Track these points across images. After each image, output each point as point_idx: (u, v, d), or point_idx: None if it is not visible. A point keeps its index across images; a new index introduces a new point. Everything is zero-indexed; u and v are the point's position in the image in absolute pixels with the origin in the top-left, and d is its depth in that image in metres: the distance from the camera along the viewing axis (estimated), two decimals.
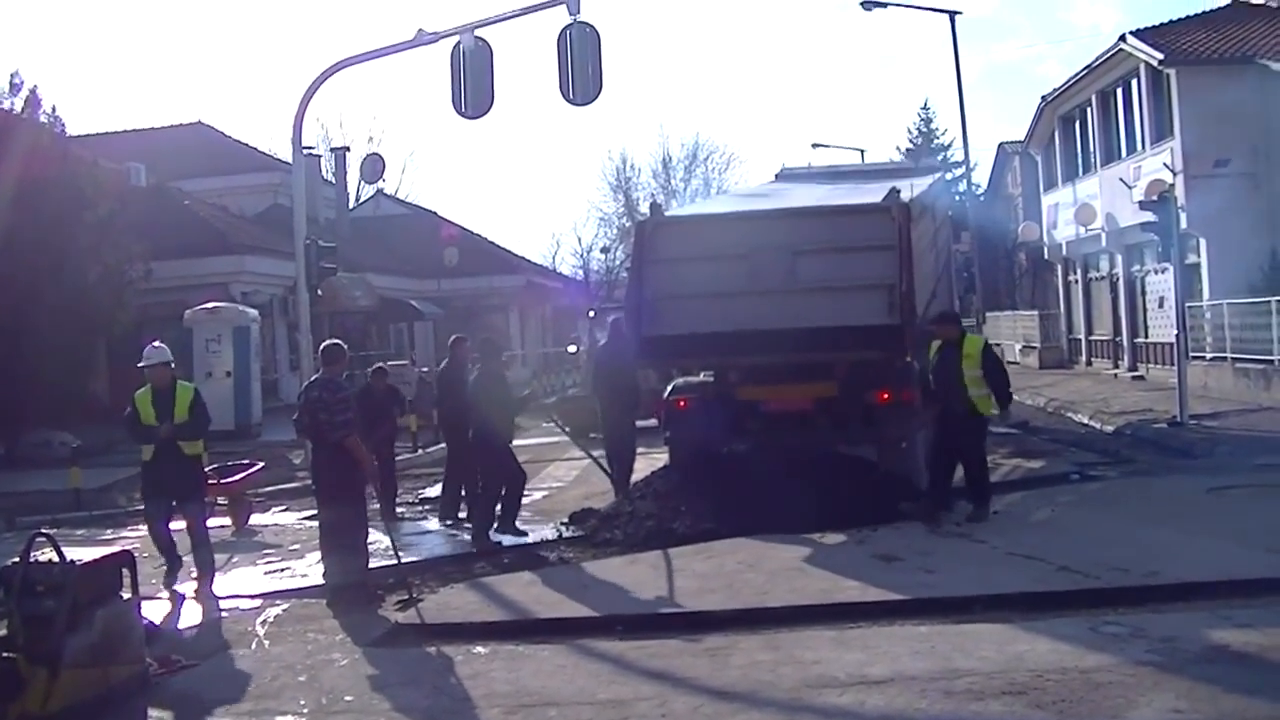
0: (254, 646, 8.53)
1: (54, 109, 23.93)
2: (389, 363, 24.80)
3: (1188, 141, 24.18)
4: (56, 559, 7.09)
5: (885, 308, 11.89)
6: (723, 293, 12.44)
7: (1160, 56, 24.92)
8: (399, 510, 14.04)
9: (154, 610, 9.08)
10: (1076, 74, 30.54)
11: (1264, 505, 11.66)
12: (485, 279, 45.90)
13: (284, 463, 19.20)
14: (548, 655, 7.88)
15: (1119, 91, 28.87)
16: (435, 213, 53.38)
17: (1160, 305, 26.29)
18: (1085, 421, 20.56)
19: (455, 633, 8.56)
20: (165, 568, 10.50)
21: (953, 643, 7.46)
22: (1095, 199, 29.82)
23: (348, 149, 49.59)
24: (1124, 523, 10.81)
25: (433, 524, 13.46)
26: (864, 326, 11.86)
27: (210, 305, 25.61)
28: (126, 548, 8.44)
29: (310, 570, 10.86)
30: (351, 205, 47.99)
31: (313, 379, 10.45)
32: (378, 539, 10.61)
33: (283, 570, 11.28)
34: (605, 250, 64.64)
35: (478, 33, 15.72)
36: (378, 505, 12.14)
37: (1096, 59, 28.85)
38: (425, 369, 26.11)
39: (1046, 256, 36.66)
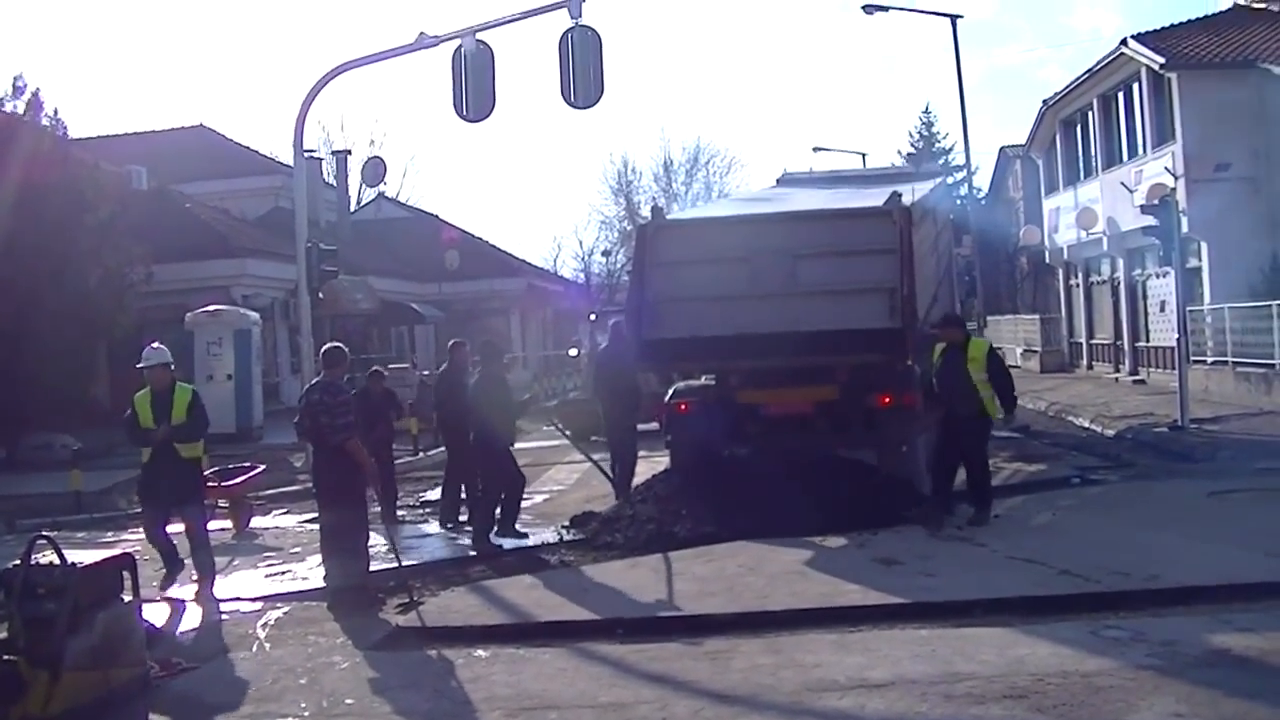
0: (255, 649, 8.53)
1: (56, 112, 24.01)
2: (390, 366, 24.89)
3: (1189, 145, 24.20)
4: (57, 562, 7.09)
5: (886, 311, 11.89)
6: (724, 296, 12.44)
7: (1161, 60, 24.94)
8: (399, 513, 14.04)
9: (155, 613, 9.08)
10: (1078, 78, 30.56)
11: (1265, 509, 11.65)
12: (486, 282, 45.94)
13: (285, 466, 19.21)
14: (548, 658, 7.88)
15: (1120, 95, 28.88)
16: (436, 216, 53.40)
17: (1161, 309, 26.29)
18: (1086, 425, 20.55)
19: (456, 636, 8.56)
20: (164, 571, 10.41)
21: (953, 646, 7.46)
22: (1096, 203, 29.84)
23: (349, 152, 49.72)
24: (1125, 527, 10.81)
25: (433, 527, 13.47)
26: (865, 330, 11.86)
27: (211, 308, 25.62)
28: (127, 550, 8.44)
29: (311, 573, 10.85)
30: (353, 208, 48.03)
31: (314, 382, 10.46)
32: (378, 542, 10.62)
33: (283, 573, 11.28)
34: (606, 254, 64.63)
35: (479, 36, 15.74)
36: (378, 508, 12.16)
37: (1098, 63, 28.87)
38: (426, 372, 26.12)
39: (1048, 260, 36.67)
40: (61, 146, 23.42)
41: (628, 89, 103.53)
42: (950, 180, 34.12)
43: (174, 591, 10.29)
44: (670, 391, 13.98)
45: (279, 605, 9.87)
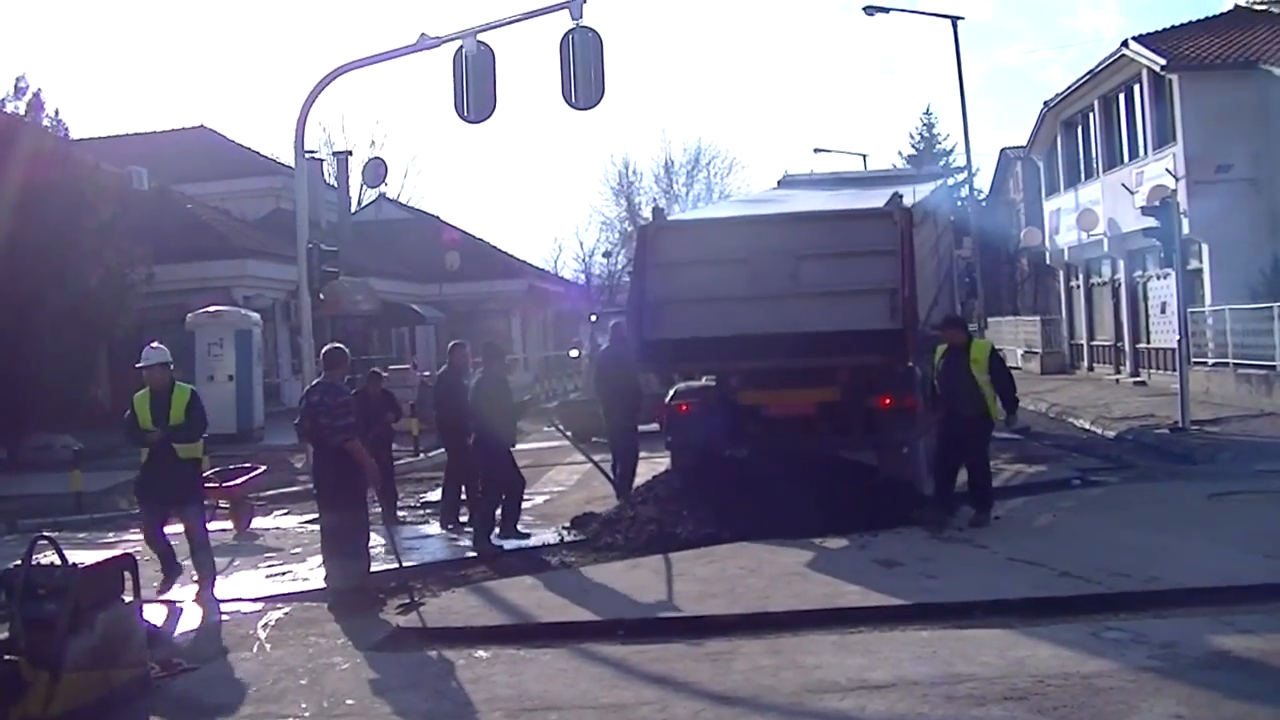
0: (255, 650, 8.53)
1: (57, 112, 24.01)
2: (390, 366, 24.88)
3: (1190, 147, 24.21)
4: (58, 562, 7.10)
5: (887, 312, 11.89)
6: (725, 297, 12.44)
7: (1162, 62, 24.95)
8: (400, 514, 14.05)
9: (155, 614, 9.08)
10: (1079, 79, 30.56)
11: (1265, 511, 11.66)
12: (487, 283, 45.96)
13: (286, 466, 19.21)
14: (549, 659, 7.88)
15: (1121, 97, 28.89)
16: (437, 217, 53.45)
17: (1162, 310, 26.30)
18: (1087, 427, 20.55)
19: (457, 637, 8.56)
20: (162, 575, 10.33)
21: (954, 648, 7.46)
22: (1097, 204, 29.84)
23: (350, 153, 49.64)
24: (1125, 528, 10.80)
25: (434, 528, 13.47)
26: (866, 331, 11.86)
27: (212, 309, 25.61)
28: (128, 551, 8.44)
29: (312, 574, 10.85)
30: (354, 209, 48.00)
31: (314, 383, 10.45)
32: (379, 542, 10.62)
33: (284, 574, 11.28)
34: (607, 255, 64.68)
35: (480, 37, 15.73)
36: (379, 509, 12.16)
37: (1099, 64, 28.87)
38: (427, 373, 26.11)
39: (1048, 262, 36.68)
40: (63, 147, 23.41)
41: (629, 90, 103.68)
42: (951, 182, 34.13)
43: (175, 592, 10.29)
44: (671, 392, 13.98)
45: (280, 606, 9.87)
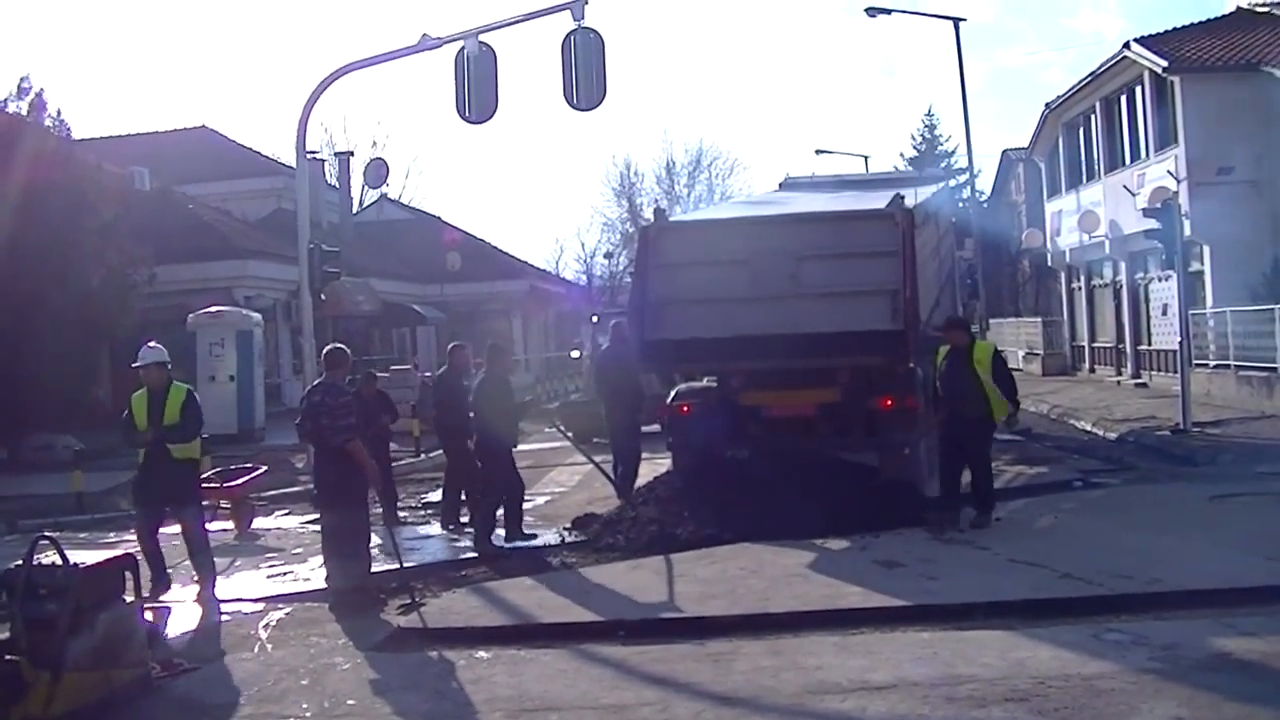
0: (256, 650, 8.53)
1: (59, 113, 24.03)
2: (391, 367, 24.89)
3: (1191, 149, 24.21)
4: (59, 562, 7.10)
5: (888, 313, 11.89)
6: (726, 298, 12.45)
7: (1164, 64, 24.94)
8: (401, 515, 14.05)
9: (156, 614, 9.08)
10: (1080, 81, 30.56)
11: (1266, 513, 11.66)
12: (488, 284, 45.97)
13: (287, 467, 19.20)
14: (550, 660, 7.89)
15: (1123, 99, 28.88)
16: (439, 217, 53.47)
17: (1163, 312, 26.30)
18: (1088, 428, 20.54)
19: (457, 637, 8.56)
20: (150, 581, 10.00)
21: (955, 649, 7.46)
22: (1099, 206, 29.84)
23: (352, 153, 49.66)
24: (1126, 530, 10.80)
25: (434, 528, 13.47)
26: (867, 332, 11.86)
27: (214, 309, 25.63)
28: (129, 551, 8.45)
29: (313, 574, 10.85)
30: (355, 210, 48.01)
31: (315, 383, 10.45)
32: (380, 543, 10.62)
33: (285, 574, 11.28)
34: (608, 255, 64.74)
35: (482, 38, 15.72)
36: (380, 509, 12.16)
37: (1100, 66, 28.87)
38: (428, 374, 26.13)
39: (1050, 263, 36.68)
40: (65, 147, 23.41)
41: (630, 91, 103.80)
42: (953, 183, 34.15)
43: (176, 593, 10.28)
44: (672, 393, 13.98)
45: (280, 606, 9.87)
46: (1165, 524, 11.02)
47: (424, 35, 16.50)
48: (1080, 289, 33.67)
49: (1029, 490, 13.84)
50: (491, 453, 12.06)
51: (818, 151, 51.85)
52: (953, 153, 57.33)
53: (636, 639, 8.26)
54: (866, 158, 45.65)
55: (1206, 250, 24.59)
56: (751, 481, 12.31)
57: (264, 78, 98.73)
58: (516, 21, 16.20)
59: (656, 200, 59.38)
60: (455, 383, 13.37)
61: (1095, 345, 32.42)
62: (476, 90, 15.57)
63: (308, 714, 7.05)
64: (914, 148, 60.57)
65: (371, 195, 53.44)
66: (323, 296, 20.10)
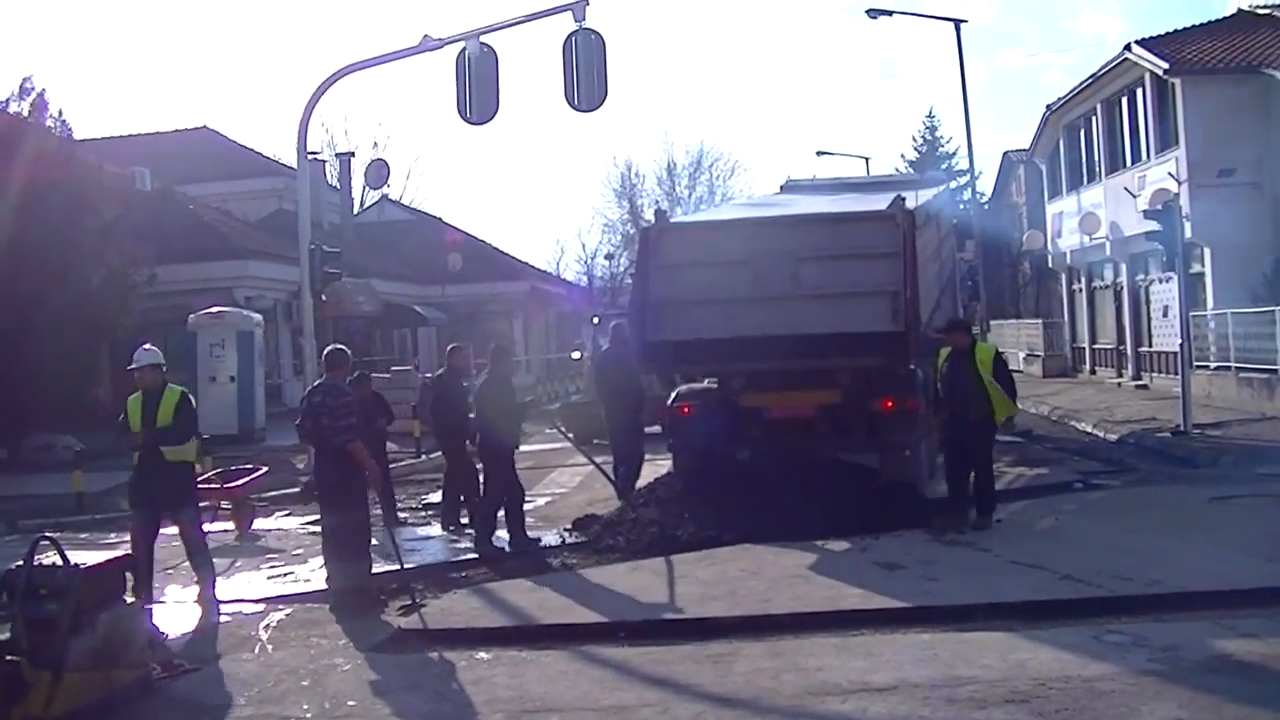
0: (257, 651, 8.54)
1: (60, 113, 24.03)
2: (392, 368, 24.87)
3: (1192, 150, 24.20)
4: (60, 563, 7.10)
5: (889, 314, 11.89)
6: (727, 299, 12.44)
7: (1165, 66, 24.92)
8: (401, 515, 14.05)
9: (157, 614, 9.09)
10: (1081, 83, 30.55)
11: (1267, 515, 11.66)
12: (489, 285, 45.97)
13: (287, 467, 19.20)
14: (550, 661, 7.89)
15: (1124, 100, 28.87)
16: (439, 218, 53.50)
17: (1164, 314, 26.30)
18: (1089, 430, 20.53)
19: (458, 638, 8.56)
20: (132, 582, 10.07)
21: (955, 651, 7.46)
22: (1100, 208, 29.84)
23: (353, 154, 49.76)
24: (1127, 532, 10.80)
25: (435, 529, 13.47)
26: (867, 333, 11.86)
27: (214, 310, 25.63)
28: (129, 552, 8.45)
29: (313, 575, 10.85)
30: (356, 210, 48.07)
31: (316, 384, 10.45)
32: (380, 544, 10.62)
33: (285, 575, 11.28)
34: (609, 256, 64.85)
35: (483, 39, 15.72)
36: (380, 510, 12.16)
37: (1101, 68, 28.87)
38: (428, 374, 26.15)
39: (1051, 265, 36.68)
40: (66, 148, 23.42)
41: (631, 92, 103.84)
42: (954, 185, 34.17)
43: (175, 594, 10.27)
44: (673, 394, 13.98)
45: (281, 607, 9.87)
46: (1166, 526, 11.02)
47: (425, 36, 16.51)
48: (1081, 291, 33.66)
49: (1029, 492, 13.84)
50: (494, 454, 12.05)
51: (818, 153, 52.06)
52: (954, 154, 57.40)
53: (637, 640, 8.26)
54: (867, 159, 45.66)
55: (1207, 252, 24.58)
56: (752, 483, 12.30)
57: (265, 78, 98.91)
58: (518, 23, 16.20)
59: (657, 201, 59.46)
60: (454, 383, 13.37)
61: (1096, 347, 32.41)
62: (478, 91, 15.57)
63: (308, 715, 7.05)
64: (915, 149, 60.58)
65: (372, 196, 53.50)
66: (323, 297, 20.10)
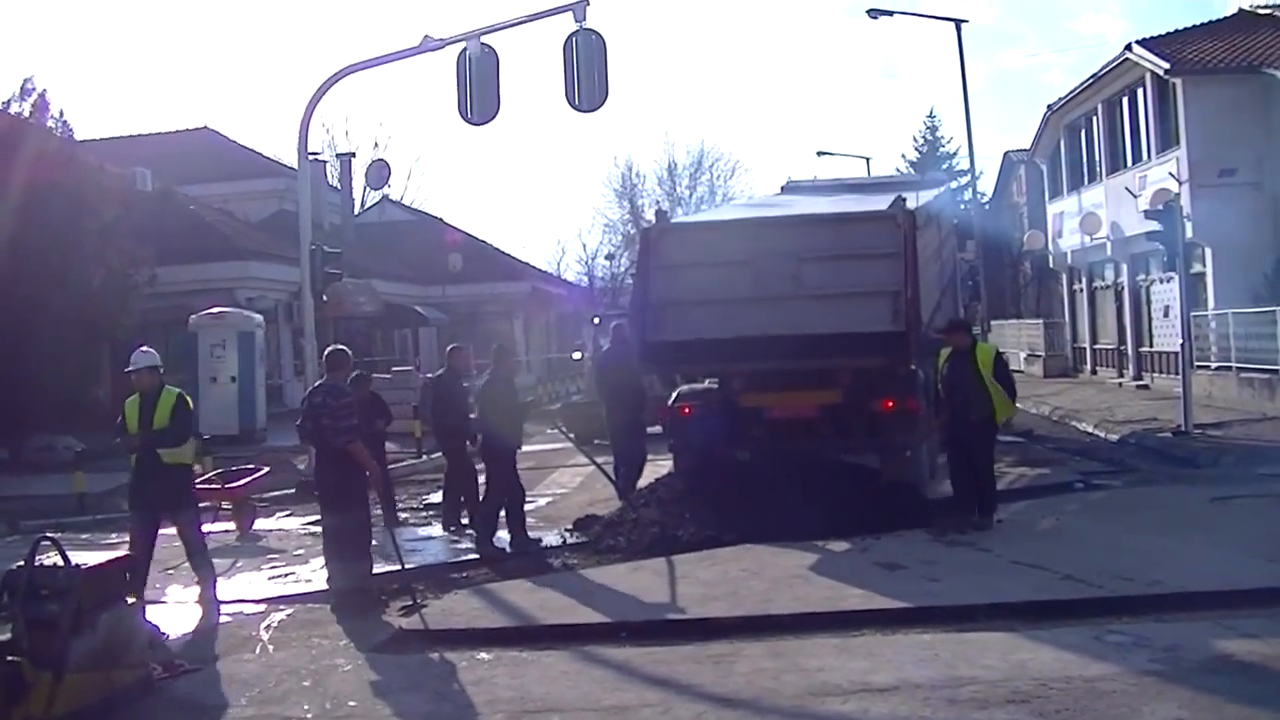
0: (258, 651, 8.54)
1: (61, 114, 24.04)
2: (393, 368, 24.88)
3: (1193, 151, 24.20)
4: (61, 563, 7.10)
5: (890, 315, 11.89)
6: (727, 299, 12.44)
7: (1166, 66, 24.92)
8: (402, 516, 14.05)
9: (158, 614, 9.08)
10: (1082, 83, 30.56)
11: (1268, 515, 11.65)
12: (490, 285, 45.98)
13: (288, 468, 19.20)
14: (551, 661, 7.89)
15: (1124, 100, 28.87)
16: (440, 219, 53.50)
17: (1165, 314, 26.29)
18: (1090, 430, 20.53)
19: (459, 638, 8.56)
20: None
21: (956, 651, 7.46)
22: (1100, 208, 29.84)
23: (353, 155, 49.77)
24: (1128, 532, 10.79)
25: (436, 530, 13.47)
26: (868, 333, 11.86)
27: (215, 310, 25.63)
28: (130, 552, 8.44)
29: (314, 575, 10.85)
30: (357, 211, 48.07)
31: (317, 384, 10.45)
32: (381, 544, 10.62)
33: (286, 575, 11.28)
34: (610, 257, 64.85)
35: (484, 39, 15.72)
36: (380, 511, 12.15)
37: (1102, 68, 28.87)
38: (430, 375, 26.18)
39: (1051, 265, 36.67)
40: (67, 148, 23.43)
41: (632, 92, 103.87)
42: (954, 185, 34.16)
43: (176, 594, 10.27)
44: (673, 395, 13.98)
45: (282, 607, 9.87)
46: (1167, 526, 11.02)
47: (426, 37, 16.50)
48: (1082, 291, 33.65)
49: (1030, 492, 13.84)
50: (495, 454, 12.05)
51: (819, 153, 52.07)
52: (954, 154, 57.38)
53: (638, 640, 8.26)
54: (868, 159, 45.66)
55: (1208, 252, 24.57)
56: (753, 483, 12.30)
57: (266, 79, 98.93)
58: (518, 23, 16.20)
59: (658, 202, 59.57)
60: (454, 384, 13.38)
61: (1097, 347, 32.40)
62: (478, 91, 15.56)
63: (309, 715, 7.05)
64: (915, 149, 60.55)
65: (373, 196, 53.49)
66: (324, 298, 20.11)
